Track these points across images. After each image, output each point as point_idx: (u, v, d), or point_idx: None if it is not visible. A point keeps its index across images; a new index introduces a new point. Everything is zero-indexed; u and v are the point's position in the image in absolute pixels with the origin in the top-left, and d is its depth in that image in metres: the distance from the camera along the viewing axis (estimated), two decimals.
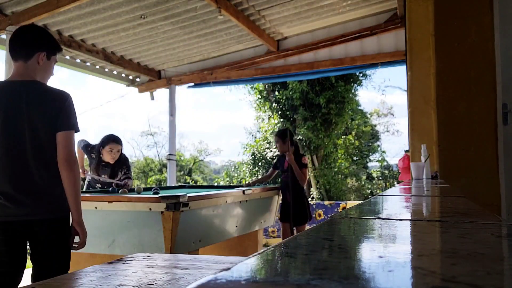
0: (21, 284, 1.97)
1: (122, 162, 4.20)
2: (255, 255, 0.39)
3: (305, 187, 4.89)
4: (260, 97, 12.16)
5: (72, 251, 2.10)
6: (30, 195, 1.97)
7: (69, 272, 2.02)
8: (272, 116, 11.97)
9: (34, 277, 1.98)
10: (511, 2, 2.86)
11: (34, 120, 1.97)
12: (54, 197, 2.01)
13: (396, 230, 0.62)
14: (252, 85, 11.95)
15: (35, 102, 1.99)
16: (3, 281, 1.94)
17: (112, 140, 4.09)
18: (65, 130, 2.00)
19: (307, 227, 4.60)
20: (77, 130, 2.06)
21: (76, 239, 2.09)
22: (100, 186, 4.14)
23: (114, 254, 2.83)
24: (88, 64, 6.79)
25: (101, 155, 4.10)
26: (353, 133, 14.18)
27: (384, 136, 20.41)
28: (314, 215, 6.61)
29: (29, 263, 2.05)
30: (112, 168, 4.13)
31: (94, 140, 4.30)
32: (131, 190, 3.73)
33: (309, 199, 11.30)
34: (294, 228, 4.53)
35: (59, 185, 2.01)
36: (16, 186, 1.96)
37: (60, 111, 1.99)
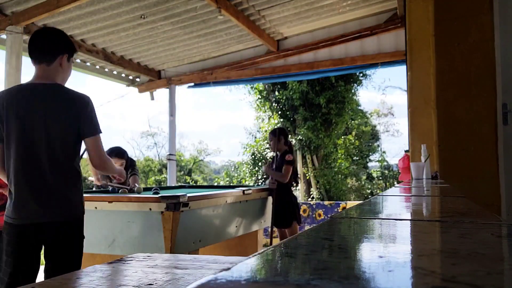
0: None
1: (128, 166, 4.21)
2: (255, 255, 0.39)
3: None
4: (260, 97, 12.16)
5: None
6: (44, 198, 1.98)
7: None
8: (272, 116, 11.97)
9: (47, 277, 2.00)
10: (511, 2, 2.86)
11: (51, 123, 1.98)
12: (67, 201, 2.02)
13: (396, 230, 0.62)
14: (252, 85, 11.95)
15: (55, 105, 2.00)
16: (18, 282, 1.94)
17: (114, 154, 4.10)
18: (92, 135, 2.05)
19: (293, 231, 4.55)
20: (100, 132, 2.11)
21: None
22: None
23: (114, 254, 2.83)
24: (88, 64, 6.79)
25: None
26: (353, 133, 14.19)
27: (384, 136, 20.41)
28: (314, 215, 6.61)
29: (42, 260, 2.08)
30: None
31: None
32: (131, 190, 3.73)
33: (309, 199, 11.32)
34: (275, 230, 4.53)
35: (72, 188, 2.03)
36: (30, 188, 1.97)
37: (81, 115, 2.02)
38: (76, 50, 2.22)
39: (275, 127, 10.75)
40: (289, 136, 4.76)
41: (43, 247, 2.05)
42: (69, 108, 2.01)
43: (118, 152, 4.14)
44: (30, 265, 2.00)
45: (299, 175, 5.54)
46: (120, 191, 3.57)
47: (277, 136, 4.55)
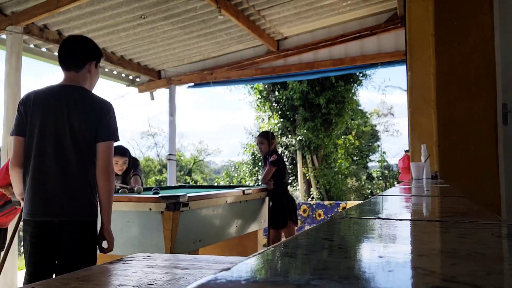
0: None
1: (131, 166, 4.20)
2: (255, 255, 0.39)
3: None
4: (260, 97, 12.16)
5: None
6: (60, 196, 2.02)
7: None
8: (272, 116, 11.97)
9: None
10: (511, 2, 2.86)
11: (74, 125, 2.04)
12: (87, 202, 2.08)
13: (396, 230, 0.62)
14: (252, 85, 11.95)
15: (78, 107, 2.07)
16: (35, 277, 1.98)
17: (117, 152, 4.09)
18: (106, 140, 2.08)
19: (290, 233, 4.55)
20: (116, 140, 2.14)
21: (105, 244, 2.20)
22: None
23: (114, 254, 2.83)
24: None
25: None
26: (353, 133, 14.18)
27: (384, 136, 20.39)
28: (314, 215, 6.61)
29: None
30: (123, 176, 4.14)
31: None
32: (131, 190, 3.73)
33: (309, 199, 11.32)
34: (271, 230, 4.53)
35: (93, 191, 2.09)
36: (51, 187, 2.02)
37: (101, 120, 2.07)
38: (102, 56, 2.31)
39: (263, 130, 10.74)
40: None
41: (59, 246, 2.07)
42: (91, 110, 2.08)
43: (120, 150, 4.13)
44: (44, 264, 2.02)
45: (288, 175, 5.47)
46: (120, 191, 3.57)
47: (269, 139, 4.55)
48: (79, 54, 2.17)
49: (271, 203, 4.47)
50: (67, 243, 2.04)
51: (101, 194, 2.09)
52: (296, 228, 4.69)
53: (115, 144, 2.21)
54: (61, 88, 2.12)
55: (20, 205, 3.25)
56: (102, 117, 2.08)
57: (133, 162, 4.25)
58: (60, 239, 2.03)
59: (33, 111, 2.05)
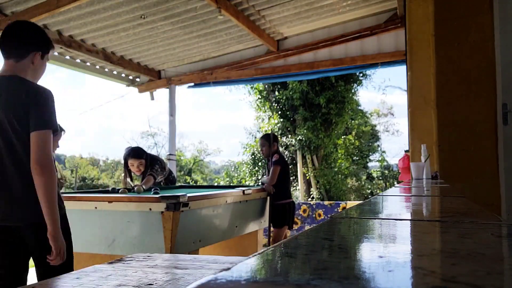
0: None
1: (148, 165, 4.19)
2: (255, 255, 0.39)
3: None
4: (260, 97, 12.16)
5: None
6: (5, 200, 1.88)
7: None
8: (272, 116, 11.97)
9: (39, 279, 1.98)
10: (511, 2, 2.86)
11: (4, 118, 1.83)
12: (28, 202, 1.88)
13: (396, 230, 0.62)
14: (252, 85, 11.95)
15: (9, 97, 1.85)
16: (4, 283, 1.91)
17: (131, 156, 4.09)
18: (37, 129, 1.81)
19: (283, 234, 4.55)
20: (53, 129, 1.87)
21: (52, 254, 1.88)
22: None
23: (114, 254, 2.83)
24: (88, 64, 6.79)
25: (129, 168, 4.16)
26: (353, 133, 14.19)
27: (384, 136, 20.40)
28: (314, 215, 6.61)
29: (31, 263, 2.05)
30: (142, 177, 4.15)
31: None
32: (131, 190, 3.73)
33: (309, 199, 11.32)
34: (272, 229, 4.53)
35: (29, 188, 1.85)
36: None
37: (31, 107, 1.82)
38: (53, 47, 2.06)
39: (264, 132, 10.73)
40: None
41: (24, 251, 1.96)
42: (21, 100, 1.83)
43: (135, 152, 4.13)
44: (13, 266, 1.93)
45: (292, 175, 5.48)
46: (120, 191, 3.57)
47: (271, 141, 4.54)
48: (21, 43, 1.93)
49: (274, 202, 4.46)
50: (31, 247, 1.92)
51: (38, 192, 1.80)
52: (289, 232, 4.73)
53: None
54: None
55: None
56: (32, 102, 1.82)
57: (150, 162, 4.22)
58: (16, 245, 1.92)
59: None
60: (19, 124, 1.83)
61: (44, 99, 1.86)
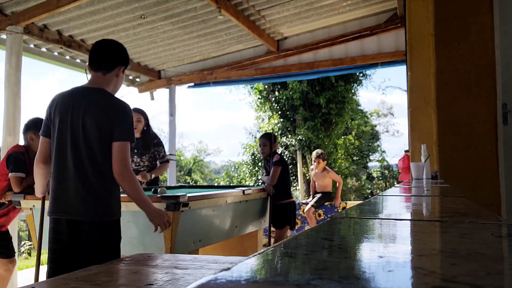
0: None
1: (153, 141, 4.21)
2: (255, 255, 0.39)
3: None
4: (260, 97, 12.16)
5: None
6: (80, 198, 2.07)
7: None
8: (272, 116, 11.97)
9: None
10: (511, 2, 2.86)
11: (88, 127, 2.07)
12: (102, 203, 2.09)
13: (396, 230, 0.62)
14: (252, 85, 11.95)
15: (93, 109, 2.09)
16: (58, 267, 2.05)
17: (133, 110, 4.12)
18: (121, 140, 2.08)
19: (284, 234, 4.54)
20: (132, 141, 2.13)
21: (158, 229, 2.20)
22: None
23: None
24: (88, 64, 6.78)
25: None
26: (353, 133, 14.19)
27: (384, 136, 20.40)
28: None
29: None
30: (142, 141, 4.15)
31: None
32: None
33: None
34: (274, 230, 4.53)
35: (111, 192, 2.11)
36: (70, 187, 2.07)
37: (115, 120, 2.08)
38: (130, 63, 2.36)
39: (265, 131, 10.72)
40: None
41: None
42: (107, 112, 2.09)
43: (134, 108, 4.09)
44: (63, 262, 2.06)
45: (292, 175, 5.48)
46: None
47: (272, 141, 4.54)
48: (112, 57, 2.21)
49: (275, 202, 4.46)
50: (85, 242, 2.07)
51: (126, 193, 2.13)
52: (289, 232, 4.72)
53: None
54: (82, 90, 2.17)
55: (20, 205, 3.25)
56: (118, 118, 2.09)
57: (157, 142, 4.22)
58: (79, 238, 2.07)
59: (55, 113, 2.13)
60: (100, 132, 2.07)
61: (127, 114, 2.14)
